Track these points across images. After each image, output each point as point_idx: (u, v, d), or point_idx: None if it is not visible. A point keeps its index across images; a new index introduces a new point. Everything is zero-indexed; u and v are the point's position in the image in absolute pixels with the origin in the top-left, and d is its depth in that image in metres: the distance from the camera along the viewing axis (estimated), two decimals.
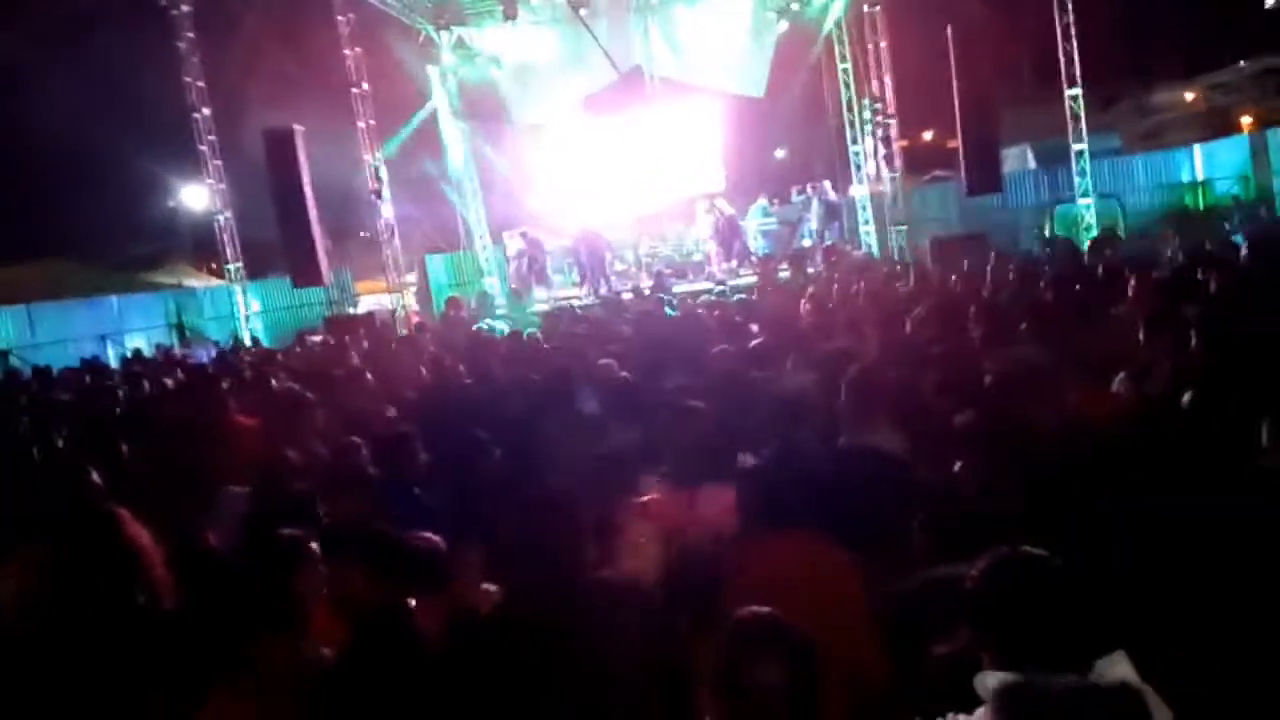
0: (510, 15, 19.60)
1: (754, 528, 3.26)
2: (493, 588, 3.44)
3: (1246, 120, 29.38)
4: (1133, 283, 6.65)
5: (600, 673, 2.70)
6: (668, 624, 3.02)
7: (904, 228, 19.24)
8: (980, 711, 1.97)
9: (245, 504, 4.57)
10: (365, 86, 19.30)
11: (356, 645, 2.96)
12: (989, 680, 1.92)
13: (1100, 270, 8.82)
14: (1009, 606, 2.00)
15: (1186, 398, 3.68)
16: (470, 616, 3.21)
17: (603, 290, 18.14)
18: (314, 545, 3.20)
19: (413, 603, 3.09)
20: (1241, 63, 31.67)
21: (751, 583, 2.89)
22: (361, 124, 19.23)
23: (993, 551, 2.08)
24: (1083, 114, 18.45)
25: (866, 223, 21.08)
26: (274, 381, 8.65)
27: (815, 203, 20.29)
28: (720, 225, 19.75)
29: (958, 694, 1.99)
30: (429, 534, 3.44)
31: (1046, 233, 19.44)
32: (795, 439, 4.06)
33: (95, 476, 4.81)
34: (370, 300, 22.47)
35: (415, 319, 18.59)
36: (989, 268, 10.29)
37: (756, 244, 21.04)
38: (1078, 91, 18.19)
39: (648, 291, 15.66)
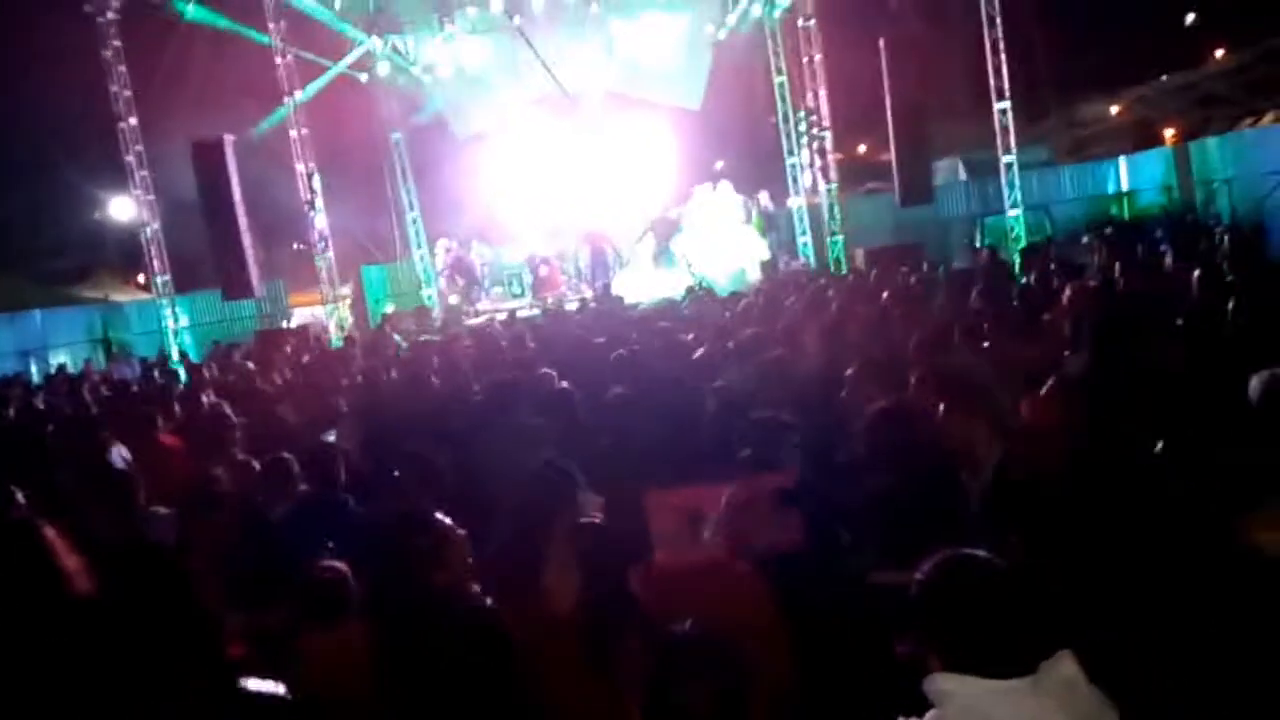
0: (445, 25, 19.45)
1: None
2: None
3: (1169, 132, 30.25)
4: (1067, 291, 6.78)
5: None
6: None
7: (840, 238, 19.46)
8: (931, 714, 1.97)
9: (171, 526, 4.44)
10: (298, 95, 18.99)
11: None
12: (937, 683, 1.91)
13: (1032, 278, 9.00)
14: (954, 609, 1.99)
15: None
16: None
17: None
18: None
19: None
20: (1164, 77, 32.65)
21: (669, 598, 2.88)
22: (294, 133, 18.91)
23: (938, 554, 2.07)
24: (1012, 126, 18.78)
25: (804, 233, 21.28)
26: (204, 398, 8.45)
27: (754, 213, 20.43)
28: None
29: (908, 697, 1.98)
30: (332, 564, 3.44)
31: (976, 243, 19.77)
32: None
33: (20, 497, 4.66)
34: (304, 313, 22.06)
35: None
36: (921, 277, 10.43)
37: None
38: (1007, 105, 18.52)
39: (592, 304, 15.57)
